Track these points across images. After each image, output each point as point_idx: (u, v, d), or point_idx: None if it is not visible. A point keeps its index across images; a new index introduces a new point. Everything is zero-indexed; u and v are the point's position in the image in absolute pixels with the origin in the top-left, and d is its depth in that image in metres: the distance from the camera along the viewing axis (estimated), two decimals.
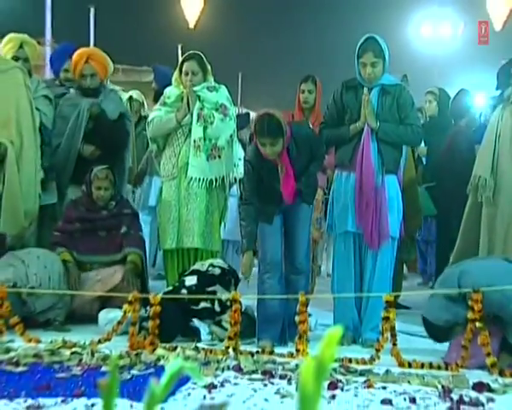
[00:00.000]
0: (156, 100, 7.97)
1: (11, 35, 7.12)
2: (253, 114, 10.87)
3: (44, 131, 6.81)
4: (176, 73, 7.15)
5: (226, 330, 5.64)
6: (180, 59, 7.68)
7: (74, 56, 7.43)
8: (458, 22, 26.52)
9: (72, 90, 7.34)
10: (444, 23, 27.30)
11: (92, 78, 7.23)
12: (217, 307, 6.07)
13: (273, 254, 5.85)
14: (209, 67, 7.08)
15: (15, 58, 6.94)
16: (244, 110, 14.74)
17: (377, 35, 5.96)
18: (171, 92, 7.14)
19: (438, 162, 7.99)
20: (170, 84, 7.70)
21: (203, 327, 6.03)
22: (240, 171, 6.39)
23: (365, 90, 5.87)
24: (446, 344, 5.57)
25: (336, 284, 6.10)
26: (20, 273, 6.11)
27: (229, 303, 5.62)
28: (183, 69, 6.99)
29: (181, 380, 4.04)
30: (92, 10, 17.49)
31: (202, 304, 6.06)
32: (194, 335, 5.91)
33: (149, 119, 7.20)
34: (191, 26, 11.89)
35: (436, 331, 5.44)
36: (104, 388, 0.78)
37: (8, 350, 5.31)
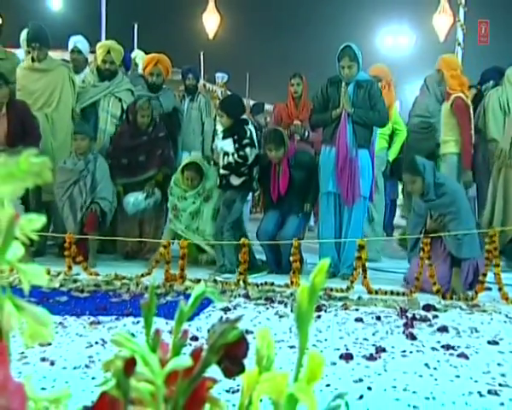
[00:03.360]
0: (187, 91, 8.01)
1: (102, 42, 7.08)
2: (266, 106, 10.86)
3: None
4: None
5: None
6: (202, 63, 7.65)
7: (147, 58, 7.41)
8: (412, 35, 26.62)
9: (139, 87, 7.25)
10: (401, 36, 27.38)
11: (158, 77, 7.17)
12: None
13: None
14: None
15: (104, 61, 6.86)
16: (251, 102, 14.65)
17: (352, 43, 5.96)
18: None
19: None
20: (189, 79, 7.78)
21: None
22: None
23: (343, 84, 5.90)
24: (400, 278, 5.63)
25: (321, 232, 6.14)
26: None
27: None
28: None
29: (203, 304, 4.07)
30: (136, 26, 17.41)
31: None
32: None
33: None
34: (210, 37, 11.79)
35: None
36: (145, 307, 0.77)
37: (75, 281, 5.35)
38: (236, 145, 6.19)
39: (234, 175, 6.23)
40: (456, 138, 6.90)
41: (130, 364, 0.67)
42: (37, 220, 0.67)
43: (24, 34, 7.07)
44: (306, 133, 6.86)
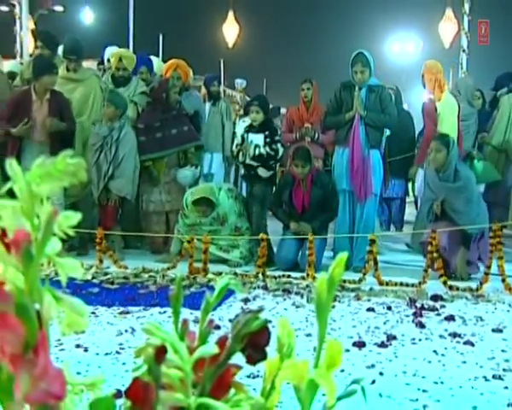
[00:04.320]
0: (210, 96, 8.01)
1: (114, 51, 7.07)
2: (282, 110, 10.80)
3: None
4: None
5: None
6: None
7: (167, 64, 7.40)
8: (419, 41, 26.46)
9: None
10: (409, 42, 27.23)
11: (177, 81, 7.14)
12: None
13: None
14: None
15: (117, 68, 6.84)
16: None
17: (364, 50, 5.95)
18: None
19: None
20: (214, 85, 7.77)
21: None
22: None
23: (357, 88, 5.88)
24: (411, 269, 5.61)
25: (336, 227, 6.13)
26: None
27: None
28: None
29: (224, 295, 4.07)
30: (161, 36, 17.45)
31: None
32: None
33: None
34: (230, 45, 11.79)
35: None
36: (173, 298, 0.77)
37: (106, 273, 5.38)
38: (268, 140, 6.22)
39: (262, 167, 6.24)
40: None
41: (161, 351, 0.67)
42: (74, 217, 0.67)
43: (61, 46, 7.09)
44: (316, 135, 6.85)
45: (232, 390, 0.76)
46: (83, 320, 0.69)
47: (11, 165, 0.65)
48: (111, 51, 7.37)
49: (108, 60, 7.37)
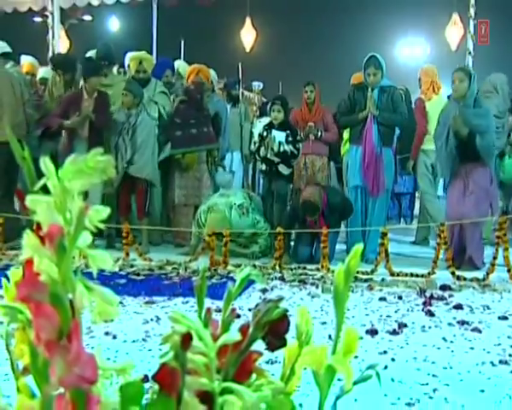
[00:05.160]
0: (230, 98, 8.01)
1: (133, 54, 7.06)
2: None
3: (161, 116, 6.70)
4: None
5: None
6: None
7: (189, 69, 7.36)
8: (426, 45, 26.33)
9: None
10: (417, 46, 27.12)
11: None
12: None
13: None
14: None
15: (137, 70, 6.83)
16: None
17: (377, 53, 5.92)
18: None
19: None
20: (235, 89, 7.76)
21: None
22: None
23: (369, 89, 5.86)
24: (421, 261, 5.57)
25: (349, 221, 6.11)
26: None
27: None
28: None
29: (244, 286, 4.08)
30: (183, 42, 17.53)
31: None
32: None
33: None
34: (247, 50, 11.76)
35: None
36: (198, 288, 0.77)
37: (132, 265, 5.40)
38: (290, 138, 6.19)
39: (283, 164, 6.21)
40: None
41: (186, 338, 0.67)
42: (104, 211, 0.67)
43: (93, 53, 7.09)
44: (320, 133, 6.85)
45: (254, 375, 0.76)
46: (113, 309, 0.69)
47: (45, 162, 0.65)
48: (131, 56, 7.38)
49: (129, 65, 7.37)
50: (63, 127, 6.19)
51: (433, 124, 6.63)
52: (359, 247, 0.72)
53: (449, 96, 6.71)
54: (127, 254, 5.63)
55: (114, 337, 3.21)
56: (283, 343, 0.77)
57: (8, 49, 6.87)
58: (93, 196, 5.81)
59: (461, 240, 5.47)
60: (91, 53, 7.08)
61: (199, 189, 6.71)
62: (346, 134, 7.31)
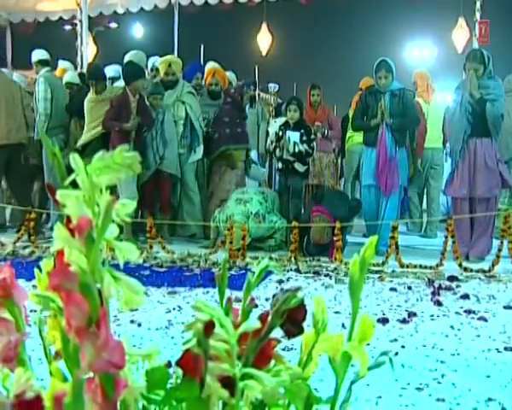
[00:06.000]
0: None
1: (163, 58, 7.01)
2: None
3: (189, 117, 6.66)
4: None
5: None
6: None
7: (206, 70, 7.34)
8: (434, 48, 26.17)
9: (204, 96, 7.19)
10: (425, 48, 26.95)
11: (216, 86, 7.07)
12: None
13: None
14: None
15: (166, 73, 6.77)
16: None
17: (387, 57, 5.88)
18: None
19: None
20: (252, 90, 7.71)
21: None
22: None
23: (382, 100, 5.81)
24: (429, 253, 5.53)
25: (363, 216, 6.11)
26: None
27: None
28: None
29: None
30: (202, 46, 17.55)
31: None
32: None
33: None
34: (264, 53, 11.73)
35: None
36: (219, 279, 0.77)
37: (155, 258, 5.40)
38: (305, 138, 6.20)
39: (299, 162, 6.22)
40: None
41: (209, 326, 0.67)
42: (130, 205, 0.67)
43: (132, 56, 7.03)
44: (326, 132, 6.86)
45: (273, 361, 0.75)
46: (139, 298, 0.69)
47: (74, 159, 0.65)
48: (157, 59, 7.36)
49: (152, 69, 7.36)
50: (123, 130, 6.15)
51: (430, 125, 6.63)
52: (374, 238, 0.71)
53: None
54: (151, 247, 5.65)
55: (139, 325, 3.22)
56: (301, 331, 0.77)
57: (45, 56, 6.88)
58: (127, 189, 5.86)
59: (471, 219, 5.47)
60: (130, 57, 7.02)
61: (239, 185, 6.75)
62: (349, 133, 7.31)
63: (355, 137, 7.23)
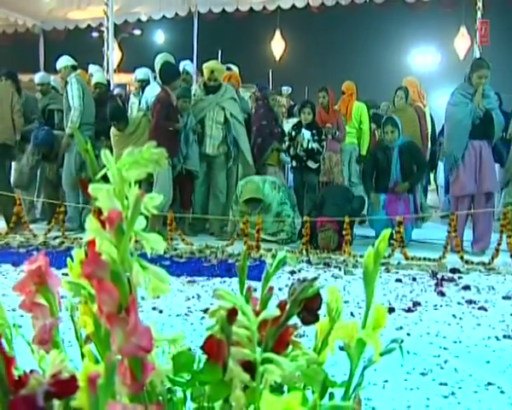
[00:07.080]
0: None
1: (207, 64, 6.85)
2: None
3: (227, 121, 6.52)
4: None
5: None
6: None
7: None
8: (437, 54, 25.95)
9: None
10: (429, 55, 26.74)
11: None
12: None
13: None
14: None
15: (209, 78, 6.60)
16: None
17: (394, 115, 6.00)
18: None
19: None
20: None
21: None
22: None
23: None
24: (433, 247, 5.49)
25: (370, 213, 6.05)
26: None
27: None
28: None
29: None
30: (220, 52, 17.54)
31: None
32: None
33: None
34: (277, 59, 11.71)
35: None
36: (240, 269, 0.76)
37: (175, 249, 5.40)
38: (316, 137, 6.25)
39: (311, 160, 6.26)
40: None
41: (233, 313, 0.66)
42: (157, 198, 0.66)
43: (167, 57, 6.97)
44: (335, 133, 6.89)
45: (290, 347, 0.74)
46: (164, 286, 0.68)
47: (105, 154, 0.64)
48: (188, 63, 7.31)
49: (182, 72, 7.18)
50: (177, 129, 6.13)
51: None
52: (387, 231, 0.70)
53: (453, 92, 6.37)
54: (171, 239, 5.65)
55: (161, 312, 3.22)
56: (316, 319, 0.76)
57: (71, 62, 6.86)
58: (163, 183, 5.87)
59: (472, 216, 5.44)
60: (165, 58, 6.93)
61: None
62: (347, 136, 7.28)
63: (347, 138, 7.24)
